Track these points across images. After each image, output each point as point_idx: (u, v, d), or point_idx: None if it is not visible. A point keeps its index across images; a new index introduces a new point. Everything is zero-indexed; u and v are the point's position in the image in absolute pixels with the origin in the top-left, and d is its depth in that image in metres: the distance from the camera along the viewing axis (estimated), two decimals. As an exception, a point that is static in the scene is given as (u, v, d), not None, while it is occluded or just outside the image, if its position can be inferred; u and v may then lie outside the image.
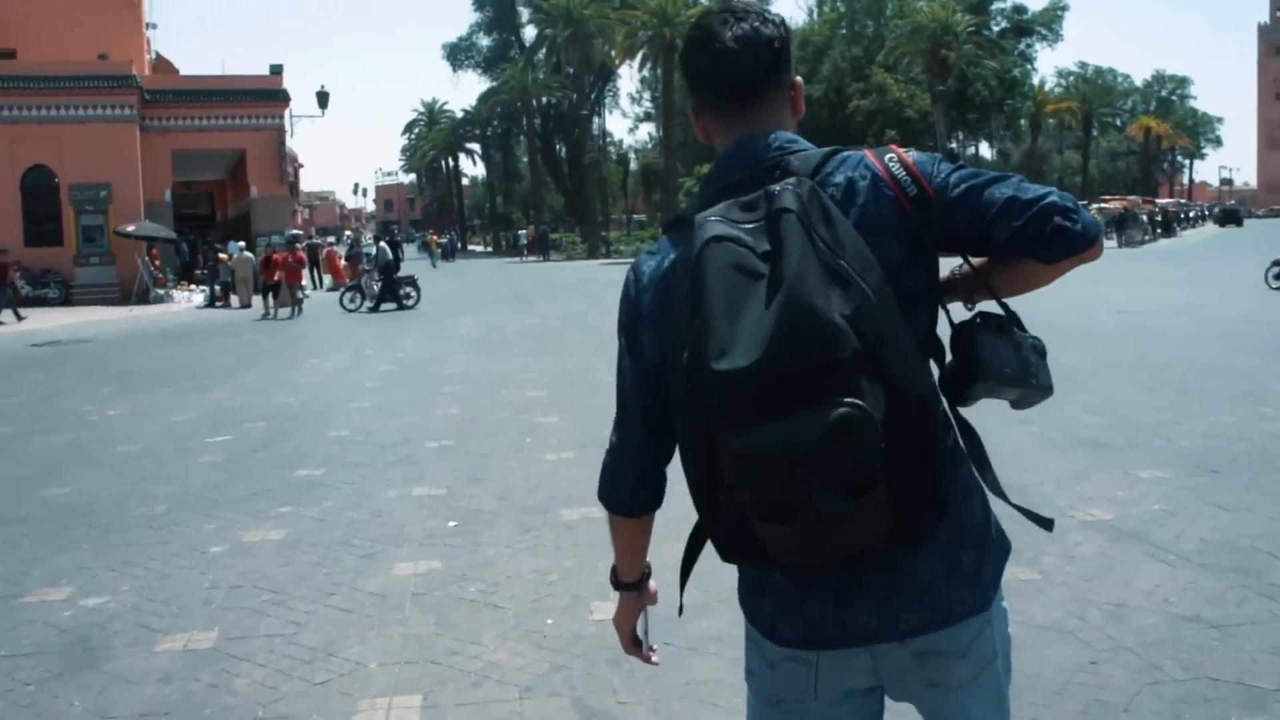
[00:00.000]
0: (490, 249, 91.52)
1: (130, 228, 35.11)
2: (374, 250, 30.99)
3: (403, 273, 29.66)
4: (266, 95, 42.35)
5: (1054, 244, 1.91)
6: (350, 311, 27.96)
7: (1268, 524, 6.51)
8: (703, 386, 1.75)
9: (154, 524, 7.45)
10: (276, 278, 27.94)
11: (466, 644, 4.98)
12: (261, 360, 17.84)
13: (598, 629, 5.08)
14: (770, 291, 1.73)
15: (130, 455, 10.02)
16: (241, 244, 33.55)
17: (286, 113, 44.03)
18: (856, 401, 1.68)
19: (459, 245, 78.81)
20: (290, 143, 45.59)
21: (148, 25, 52.01)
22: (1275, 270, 24.43)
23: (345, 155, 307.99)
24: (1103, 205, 69.44)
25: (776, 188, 1.84)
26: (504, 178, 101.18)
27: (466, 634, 5.11)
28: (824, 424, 1.67)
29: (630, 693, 4.40)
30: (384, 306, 28.13)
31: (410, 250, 69.69)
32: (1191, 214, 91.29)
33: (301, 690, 4.56)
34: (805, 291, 1.70)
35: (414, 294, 28.81)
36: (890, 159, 1.99)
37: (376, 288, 28.69)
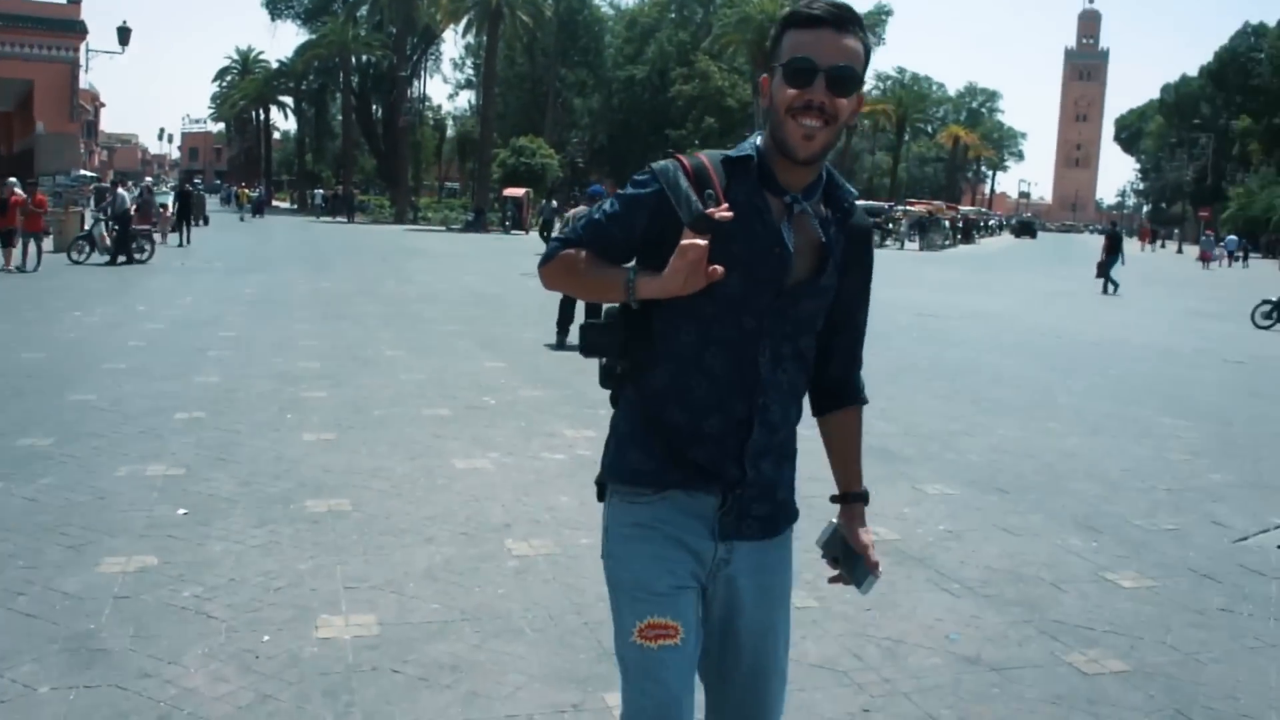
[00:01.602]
0: (296, 206, 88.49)
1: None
2: (113, 196, 27.43)
3: (142, 225, 27.64)
4: (60, 25, 39.85)
5: None
6: (77, 263, 25.40)
7: (1052, 551, 6.32)
8: None
9: None
10: (15, 223, 23.74)
11: (163, 664, 4.28)
12: (18, 309, 16.39)
13: (319, 650, 4.46)
14: None
15: None
16: (14, 181, 31.15)
17: (82, 46, 41.49)
18: None
19: (268, 200, 75.36)
20: (87, 79, 43.18)
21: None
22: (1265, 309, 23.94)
23: (151, 98, 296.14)
24: (908, 208, 71.25)
25: None
26: (316, 134, 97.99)
27: (166, 650, 4.40)
28: None
29: (342, 735, 3.79)
30: (119, 260, 25.87)
31: (214, 202, 66.81)
32: (991, 223, 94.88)
33: (-51, 719, 3.81)
34: None
35: (148, 248, 27.00)
36: None
37: (110, 239, 26.32)
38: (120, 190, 27.76)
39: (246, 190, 69.01)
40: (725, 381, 2.40)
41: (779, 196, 2.39)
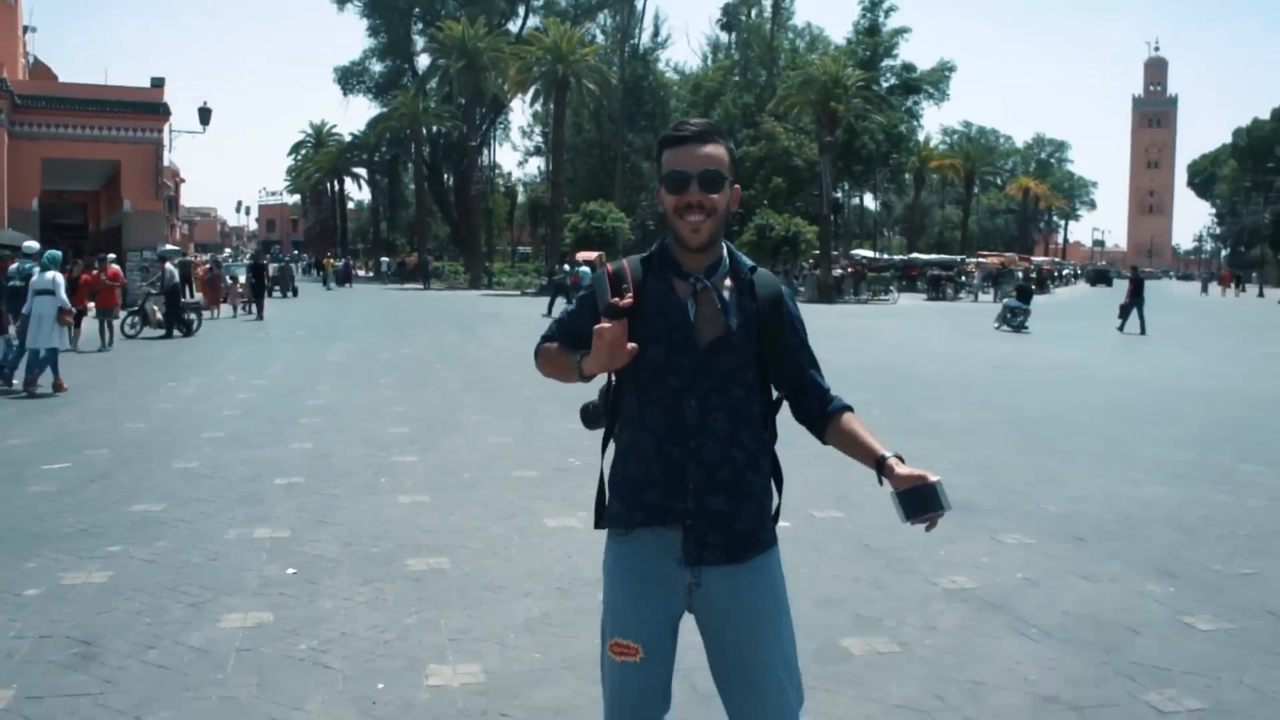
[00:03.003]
0: (372, 274, 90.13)
1: (-12, 237, 33.53)
2: (161, 272, 27.58)
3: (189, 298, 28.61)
4: (145, 108, 41.09)
5: None
6: (130, 337, 25.55)
7: (1129, 597, 6.44)
8: None
9: (-34, 561, 6.91)
10: (84, 304, 23.28)
11: (288, 710, 4.61)
12: (116, 381, 17.05)
13: (431, 696, 4.76)
14: None
15: (-45, 481, 9.38)
16: (111, 256, 32.13)
17: (166, 127, 42.83)
18: None
19: (352, 270, 76.17)
20: (171, 156, 44.50)
21: (25, 28, 50.39)
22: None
23: (229, 172, 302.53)
24: (981, 260, 70.93)
25: None
26: (390, 204, 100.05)
27: (289, 698, 4.73)
28: None
29: (458, 773, 4.07)
30: (174, 333, 26.50)
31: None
32: (1065, 273, 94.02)
33: (98, 760, 4.13)
34: None
35: (196, 320, 27.88)
36: None
37: (160, 314, 27.00)
38: (167, 265, 27.89)
39: (331, 260, 70.44)
40: (662, 433, 2.97)
41: (685, 279, 3.00)
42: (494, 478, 9.71)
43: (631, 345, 2.90)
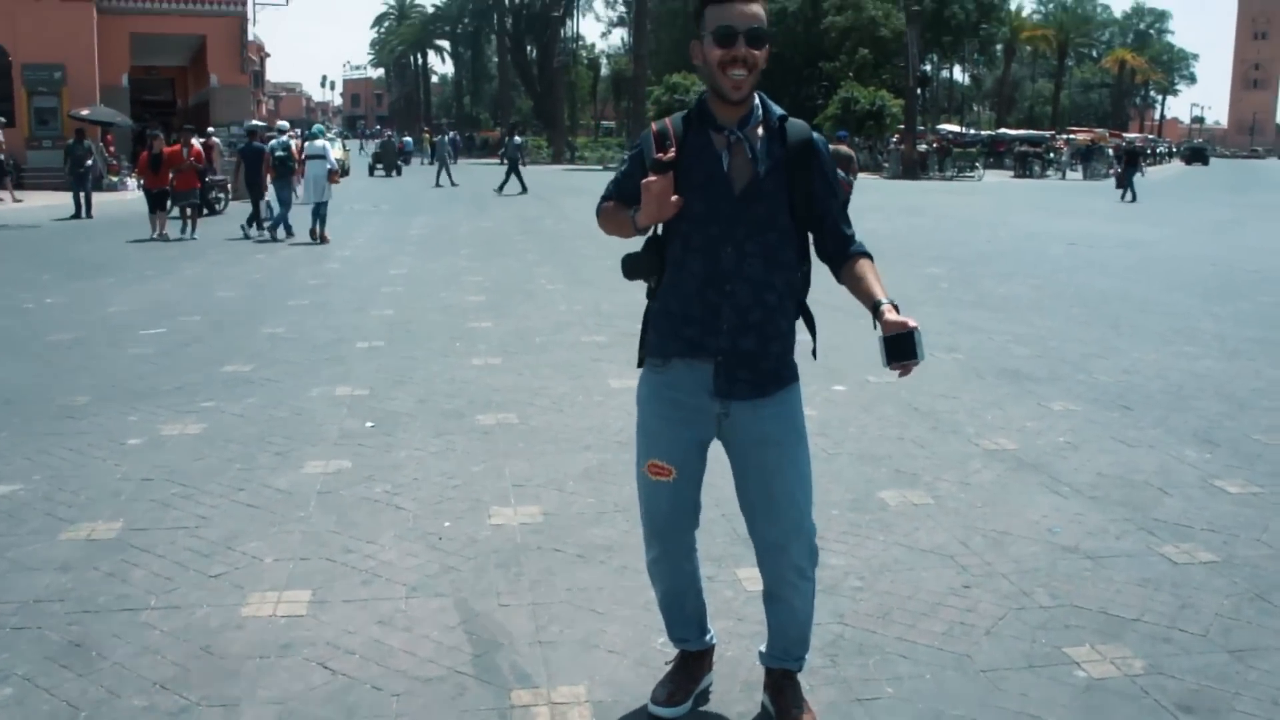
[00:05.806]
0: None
1: (85, 111, 34.30)
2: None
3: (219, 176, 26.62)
4: (229, -19, 41.46)
5: None
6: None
7: (1165, 461, 6.63)
8: None
9: (75, 414, 7.47)
10: (168, 183, 20.49)
11: (363, 543, 5.08)
12: (206, 252, 17.72)
13: (492, 534, 5.21)
14: None
15: (61, 344, 9.99)
16: (210, 131, 32.70)
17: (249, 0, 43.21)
18: None
19: (458, 145, 67.57)
20: (255, 31, 44.90)
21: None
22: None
23: (313, 47, 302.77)
24: (1070, 137, 69.38)
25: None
26: (473, 77, 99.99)
27: (364, 533, 5.21)
28: None
29: (513, 596, 4.51)
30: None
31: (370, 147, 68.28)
32: (1159, 150, 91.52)
33: (196, 582, 4.63)
34: None
35: (223, 198, 26.31)
36: None
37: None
38: (193, 141, 23.34)
39: (429, 135, 70.70)
40: (702, 276, 3.27)
41: (720, 132, 3.25)
42: (564, 342, 10.16)
43: (676, 197, 3.16)
